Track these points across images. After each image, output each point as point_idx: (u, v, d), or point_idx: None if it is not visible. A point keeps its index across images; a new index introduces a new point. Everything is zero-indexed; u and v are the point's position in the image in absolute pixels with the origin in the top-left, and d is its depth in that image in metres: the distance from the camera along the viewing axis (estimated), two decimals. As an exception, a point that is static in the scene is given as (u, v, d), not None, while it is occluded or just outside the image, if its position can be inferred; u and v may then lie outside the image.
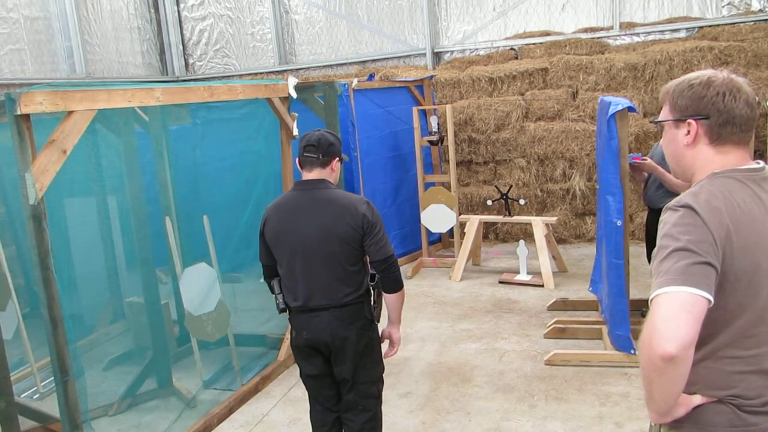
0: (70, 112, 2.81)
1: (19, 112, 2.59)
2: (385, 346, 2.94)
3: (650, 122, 6.87)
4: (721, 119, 1.51)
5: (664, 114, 1.63)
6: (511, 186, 6.95)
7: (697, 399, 1.51)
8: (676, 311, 1.33)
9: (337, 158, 2.80)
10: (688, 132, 1.56)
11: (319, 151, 2.73)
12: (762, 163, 1.56)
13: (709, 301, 1.36)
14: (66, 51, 8.71)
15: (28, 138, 2.66)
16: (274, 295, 2.85)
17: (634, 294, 4.59)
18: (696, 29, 7.70)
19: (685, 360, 1.34)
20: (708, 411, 1.51)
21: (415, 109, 6.86)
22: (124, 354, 4.66)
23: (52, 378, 3.09)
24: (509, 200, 6.46)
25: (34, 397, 4.28)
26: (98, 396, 4.08)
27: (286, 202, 2.79)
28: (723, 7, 7.68)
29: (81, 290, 4.56)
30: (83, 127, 2.88)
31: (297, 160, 2.81)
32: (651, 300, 1.39)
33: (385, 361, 2.94)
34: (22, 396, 4.26)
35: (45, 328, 2.81)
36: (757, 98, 6.36)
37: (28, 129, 2.66)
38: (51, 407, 3.74)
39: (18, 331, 4.19)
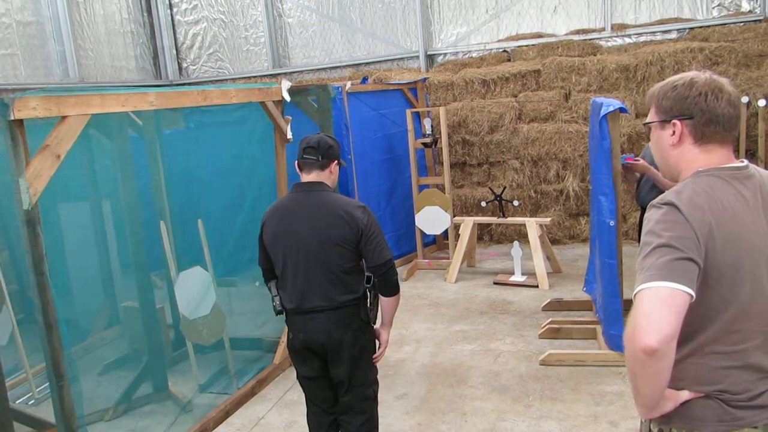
0: (64, 117, 2.82)
1: (12, 118, 2.59)
2: None
3: (642, 124, 6.93)
4: (704, 119, 1.55)
5: (651, 116, 1.67)
6: (504, 187, 6.98)
7: (685, 394, 1.53)
8: (657, 306, 1.36)
9: (336, 161, 2.83)
10: (673, 132, 1.60)
11: (318, 153, 2.76)
12: (745, 162, 1.60)
13: (691, 296, 1.39)
14: (59, 56, 8.70)
15: (22, 143, 2.66)
16: (271, 297, 2.87)
17: (628, 294, 4.57)
18: (687, 30, 7.76)
19: (667, 353, 1.37)
20: (696, 406, 1.53)
21: (408, 112, 6.88)
22: (119, 359, 4.65)
23: (48, 384, 3.10)
24: (503, 201, 6.49)
25: (30, 403, 4.27)
26: (94, 401, 4.07)
27: (284, 205, 2.81)
28: (713, 8, 7.74)
29: (76, 295, 4.56)
30: (77, 132, 2.88)
31: (296, 162, 2.83)
32: (635, 295, 1.42)
33: (380, 362, 2.95)
34: (17, 402, 4.24)
35: (40, 334, 2.81)
36: (748, 98, 6.45)
37: (22, 134, 2.67)
38: (46, 413, 3.73)
39: (12, 336, 4.18)
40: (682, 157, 1.60)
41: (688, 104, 1.56)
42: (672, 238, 1.42)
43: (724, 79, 1.58)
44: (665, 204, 1.49)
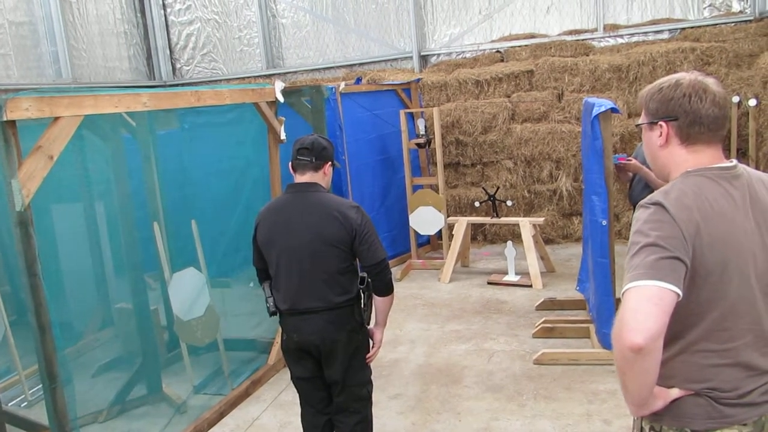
0: (57, 118, 2.81)
1: (4, 119, 2.59)
2: None
3: (635, 125, 6.96)
4: (688, 120, 1.57)
5: (641, 117, 1.70)
6: (498, 187, 7.00)
7: (675, 392, 1.55)
8: (644, 304, 1.37)
9: (330, 163, 2.84)
10: (661, 133, 1.62)
11: (312, 154, 2.77)
12: (734, 162, 1.62)
13: (678, 294, 1.40)
14: (52, 56, 8.66)
15: (14, 144, 2.66)
16: (265, 298, 2.87)
17: (621, 293, 4.63)
18: (678, 30, 7.81)
19: (654, 351, 1.38)
20: (686, 404, 1.55)
21: (402, 112, 6.89)
22: (113, 360, 4.63)
23: (41, 386, 3.08)
24: (497, 201, 6.51)
25: (22, 405, 4.25)
26: (87, 403, 4.06)
27: (278, 205, 2.82)
28: (704, 8, 7.79)
29: (69, 297, 4.53)
30: (70, 133, 2.88)
31: (290, 163, 2.84)
32: (622, 294, 1.44)
33: (375, 362, 2.96)
34: (9, 404, 4.23)
35: (33, 336, 2.80)
36: (738, 97, 6.49)
37: (14, 135, 2.66)
38: (39, 415, 3.71)
39: (5, 338, 4.17)
40: (670, 157, 1.62)
41: (673, 106, 1.58)
42: (659, 238, 1.44)
43: (710, 79, 1.60)
44: (653, 204, 1.50)
